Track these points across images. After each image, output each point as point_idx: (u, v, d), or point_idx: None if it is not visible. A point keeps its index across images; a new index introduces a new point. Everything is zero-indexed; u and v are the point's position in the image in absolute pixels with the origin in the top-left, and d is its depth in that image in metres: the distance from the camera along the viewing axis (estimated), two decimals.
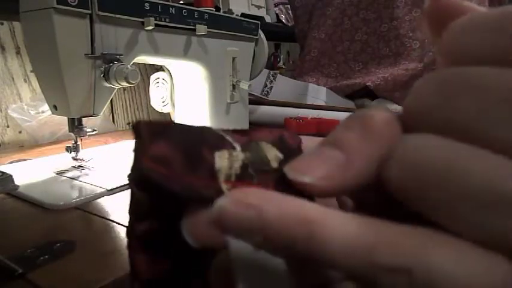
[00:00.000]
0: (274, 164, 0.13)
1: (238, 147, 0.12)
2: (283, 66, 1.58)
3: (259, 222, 0.10)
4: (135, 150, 0.12)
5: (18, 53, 0.80)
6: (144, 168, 0.11)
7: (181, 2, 0.83)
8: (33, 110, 0.79)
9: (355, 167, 0.12)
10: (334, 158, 0.12)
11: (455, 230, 0.10)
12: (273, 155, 0.13)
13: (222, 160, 0.12)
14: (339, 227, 0.10)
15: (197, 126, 0.13)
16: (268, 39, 0.81)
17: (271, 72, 1.06)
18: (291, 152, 0.13)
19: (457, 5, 0.13)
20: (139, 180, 0.12)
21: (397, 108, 1.02)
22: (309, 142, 0.14)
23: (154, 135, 0.12)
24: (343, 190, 0.12)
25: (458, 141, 0.10)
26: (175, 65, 0.72)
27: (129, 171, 0.12)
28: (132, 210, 0.13)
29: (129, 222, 0.14)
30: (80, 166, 0.57)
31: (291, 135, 0.14)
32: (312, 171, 0.12)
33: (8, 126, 0.80)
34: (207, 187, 0.12)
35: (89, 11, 0.48)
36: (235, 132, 0.13)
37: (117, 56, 0.52)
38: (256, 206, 0.11)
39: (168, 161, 0.11)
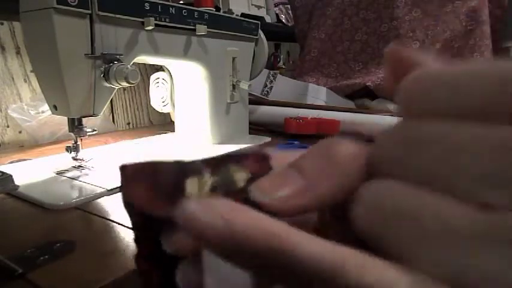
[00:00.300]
0: (241, 184, 0.14)
1: (207, 174, 0.14)
2: (283, 66, 1.58)
3: (226, 232, 0.11)
4: (121, 188, 0.14)
5: (18, 53, 0.80)
6: (131, 203, 0.14)
7: (181, 2, 0.83)
8: (33, 110, 0.79)
9: (314, 193, 0.13)
10: (295, 183, 0.13)
11: (412, 266, 0.10)
12: (240, 176, 0.15)
13: (192, 186, 0.14)
14: (304, 243, 0.11)
15: (173, 161, 0.15)
16: (268, 39, 0.82)
17: (271, 72, 1.06)
18: (259, 170, 0.15)
19: (414, 59, 0.14)
20: (130, 212, 0.15)
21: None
22: (279, 159, 0.15)
23: (136, 175, 0.14)
24: (301, 212, 0.13)
25: (416, 188, 0.11)
26: (175, 65, 0.72)
27: (122, 202, 0.15)
28: (134, 231, 0.16)
29: (134, 239, 0.16)
30: (80, 166, 0.57)
31: (259, 156, 0.16)
32: (274, 192, 0.13)
33: (8, 126, 0.80)
34: None
35: (89, 11, 0.48)
36: (209, 161, 0.15)
37: (117, 56, 0.52)
38: (224, 216, 0.11)
39: (149, 195, 0.14)
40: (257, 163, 0.15)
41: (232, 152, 0.16)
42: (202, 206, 0.12)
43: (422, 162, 0.11)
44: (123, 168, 0.14)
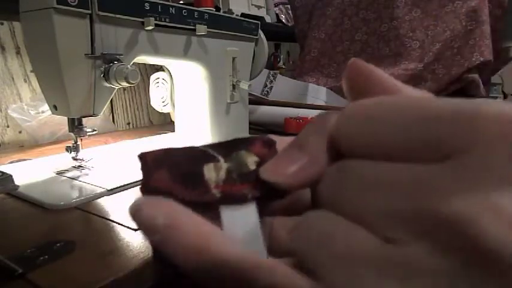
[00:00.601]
0: (253, 166, 0.16)
1: (221, 159, 0.16)
2: (283, 66, 1.58)
3: (162, 240, 0.12)
4: (144, 176, 0.15)
5: (18, 53, 0.80)
6: (153, 188, 0.15)
7: (181, 2, 0.83)
8: (33, 110, 0.79)
9: (317, 166, 0.14)
10: (299, 160, 0.14)
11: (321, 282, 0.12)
12: (250, 159, 0.16)
13: (209, 171, 0.15)
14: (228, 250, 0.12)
15: (188, 148, 0.16)
16: (268, 39, 0.81)
17: (271, 72, 1.06)
18: (267, 154, 0.16)
19: (372, 75, 0.15)
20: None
21: None
22: (282, 143, 0.16)
23: (157, 162, 0.15)
24: (308, 184, 0.15)
25: (342, 217, 0.12)
26: (175, 65, 0.72)
27: (142, 193, 0.15)
28: None
29: None
30: (80, 166, 0.57)
31: (266, 141, 0.17)
32: (281, 172, 0.15)
33: (8, 126, 0.80)
34: (203, 194, 0.15)
35: (89, 11, 0.48)
36: (220, 148, 0.16)
37: (117, 56, 0.52)
38: (162, 226, 0.12)
39: (171, 180, 0.15)
40: (264, 148, 0.17)
41: (239, 138, 0.17)
42: (149, 203, 0.13)
43: (345, 197, 0.13)
44: (143, 157, 0.15)
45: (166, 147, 0.16)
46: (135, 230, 0.39)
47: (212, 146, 0.16)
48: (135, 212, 0.13)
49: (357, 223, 0.12)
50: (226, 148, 0.16)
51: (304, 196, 0.18)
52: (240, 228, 0.15)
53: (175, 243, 0.12)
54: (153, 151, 0.15)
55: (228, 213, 0.15)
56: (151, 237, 0.12)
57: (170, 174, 0.15)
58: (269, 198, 0.16)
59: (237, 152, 0.16)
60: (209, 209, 0.15)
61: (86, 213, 0.44)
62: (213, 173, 0.15)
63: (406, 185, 0.11)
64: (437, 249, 0.10)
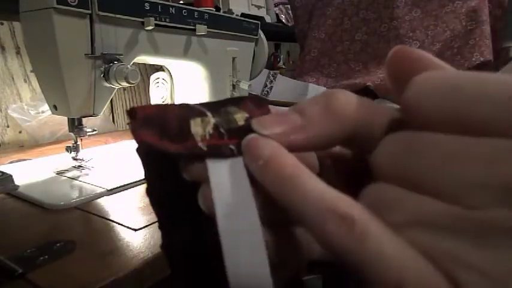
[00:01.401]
0: (242, 122, 0.16)
1: (209, 114, 0.16)
2: (283, 66, 1.58)
3: (264, 164, 0.13)
4: (133, 131, 0.15)
5: (18, 53, 0.80)
6: (143, 143, 0.15)
7: (181, 2, 0.83)
8: (33, 110, 0.79)
9: (310, 132, 0.14)
10: (293, 121, 0.14)
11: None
12: (239, 116, 0.16)
13: (196, 126, 0.15)
14: (313, 182, 0.13)
15: (177, 105, 0.16)
16: (268, 39, 0.81)
17: (271, 72, 1.06)
18: (258, 112, 0.16)
19: (419, 58, 0.14)
20: (143, 152, 0.16)
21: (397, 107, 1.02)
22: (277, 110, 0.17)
23: (146, 120, 0.15)
24: (298, 148, 0.14)
25: (406, 190, 0.12)
26: (175, 65, 0.72)
27: (135, 146, 0.15)
28: (147, 176, 0.17)
29: (147, 185, 0.17)
30: (80, 166, 0.57)
31: (259, 99, 0.17)
32: (272, 127, 0.14)
33: (8, 126, 0.80)
34: (191, 147, 0.15)
35: (89, 11, 0.48)
36: (209, 104, 0.16)
37: (117, 56, 0.52)
38: (267, 154, 0.13)
39: (158, 135, 0.15)
40: (256, 107, 0.16)
41: (230, 98, 0.17)
42: (260, 137, 0.14)
43: (419, 168, 0.12)
44: (133, 113, 0.15)
45: (156, 104, 0.16)
46: (135, 230, 0.39)
47: (202, 104, 0.16)
48: (248, 141, 0.14)
49: (430, 196, 0.12)
50: (216, 105, 0.16)
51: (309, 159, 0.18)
52: (227, 182, 0.14)
53: (273, 170, 0.13)
54: (143, 107, 0.15)
55: (215, 166, 0.15)
56: (255, 163, 0.14)
57: (158, 131, 0.15)
58: None
59: (226, 108, 0.16)
60: (197, 161, 0.15)
61: (86, 213, 0.44)
62: (200, 127, 0.15)
63: (484, 157, 0.11)
64: None
